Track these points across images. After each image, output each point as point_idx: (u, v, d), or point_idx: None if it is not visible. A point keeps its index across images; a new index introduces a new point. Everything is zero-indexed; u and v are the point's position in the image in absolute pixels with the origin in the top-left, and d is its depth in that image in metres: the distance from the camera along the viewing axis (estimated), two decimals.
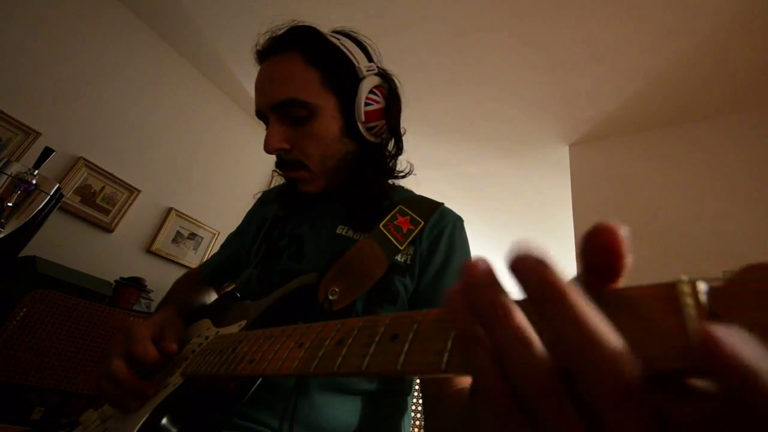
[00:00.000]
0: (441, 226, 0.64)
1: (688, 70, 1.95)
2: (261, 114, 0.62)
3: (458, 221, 0.68)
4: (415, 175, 0.71)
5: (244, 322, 0.50)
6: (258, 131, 3.18)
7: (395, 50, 2.17)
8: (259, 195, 0.85)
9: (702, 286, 0.14)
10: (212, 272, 0.80)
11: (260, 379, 0.45)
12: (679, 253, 1.94)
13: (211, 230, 2.73)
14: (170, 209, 2.50)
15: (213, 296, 0.80)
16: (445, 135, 2.76)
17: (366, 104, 0.61)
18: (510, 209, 3.47)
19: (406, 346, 0.22)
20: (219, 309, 0.62)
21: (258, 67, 0.64)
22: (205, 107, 2.79)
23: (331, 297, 0.51)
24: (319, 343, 0.28)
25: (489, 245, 4.05)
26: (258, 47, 0.64)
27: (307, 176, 0.61)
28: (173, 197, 2.54)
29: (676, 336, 0.13)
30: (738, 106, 2.07)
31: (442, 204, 0.68)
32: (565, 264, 0.14)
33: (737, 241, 1.83)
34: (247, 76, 2.67)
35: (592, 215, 2.31)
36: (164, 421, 0.41)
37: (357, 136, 0.62)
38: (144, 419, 0.41)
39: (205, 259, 2.64)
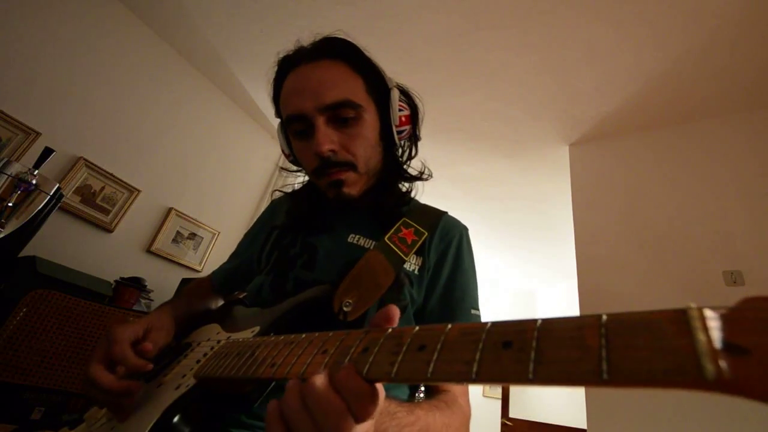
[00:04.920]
0: (449, 239, 0.67)
1: (688, 70, 1.95)
2: (301, 117, 0.60)
3: (464, 231, 0.70)
4: (430, 178, 0.72)
5: (257, 328, 0.51)
6: (258, 131, 3.18)
7: (394, 50, 2.17)
8: (273, 198, 0.86)
9: (708, 313, 0.17)
10: (222, 281, 0.80)
11: (274, 383, 0.46)
12: (679, 252, 1.94)
13: (211, 230, 2.73)
14: (170, 209, 2.50)
15: (220, 303, 0.79)
16: (444, 135, 2.76)
17: (399, 110, 0.66)
18: (510, 209, 3.47)
19: (435, 355, 0.23)
20: (227, 315, 0.62)
21: (266, 73, 0.65)
22: (205, 107, 2.79)
23: (345, 308, 0.53)
24: (344, 350, 0.28)
25: (489, 245, 4.05)
26: (291, 52, 0.65)
27: (355, 177, 0.62)
28: (173, 197, 2.54)
29: (686, 354, 0.16)
30: (739, 106, 2.07)
31: (446, 213, 0.71)
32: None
33: (737, 241, 1.83)
34: (246, 75, 2.67)
35: (592, 215, 2.31)
36: (176, 419, 0.41)
37: (388, 141, 0.67)
38: (155, 419, 0.41)
39: (205, 259, 2.64)
